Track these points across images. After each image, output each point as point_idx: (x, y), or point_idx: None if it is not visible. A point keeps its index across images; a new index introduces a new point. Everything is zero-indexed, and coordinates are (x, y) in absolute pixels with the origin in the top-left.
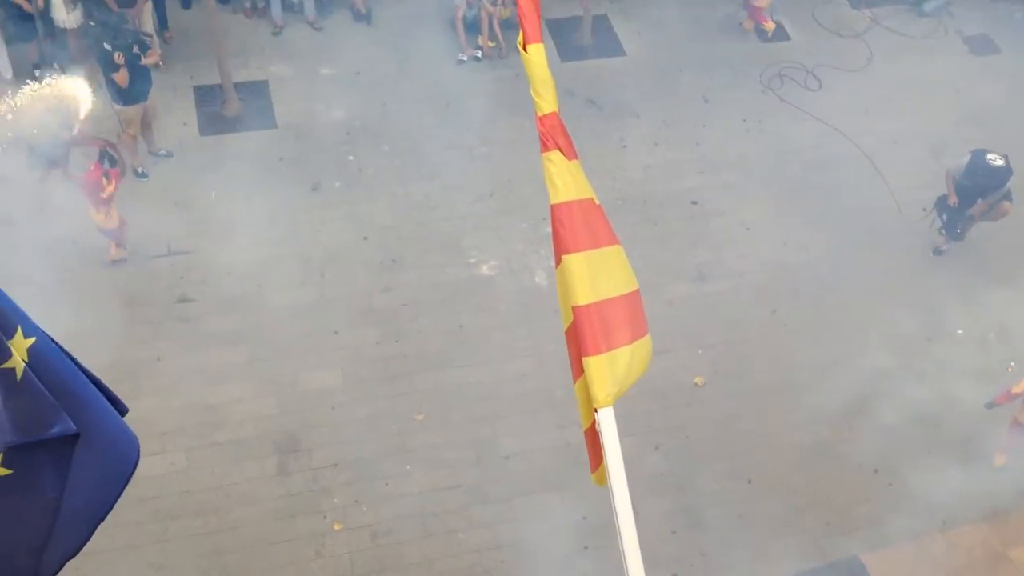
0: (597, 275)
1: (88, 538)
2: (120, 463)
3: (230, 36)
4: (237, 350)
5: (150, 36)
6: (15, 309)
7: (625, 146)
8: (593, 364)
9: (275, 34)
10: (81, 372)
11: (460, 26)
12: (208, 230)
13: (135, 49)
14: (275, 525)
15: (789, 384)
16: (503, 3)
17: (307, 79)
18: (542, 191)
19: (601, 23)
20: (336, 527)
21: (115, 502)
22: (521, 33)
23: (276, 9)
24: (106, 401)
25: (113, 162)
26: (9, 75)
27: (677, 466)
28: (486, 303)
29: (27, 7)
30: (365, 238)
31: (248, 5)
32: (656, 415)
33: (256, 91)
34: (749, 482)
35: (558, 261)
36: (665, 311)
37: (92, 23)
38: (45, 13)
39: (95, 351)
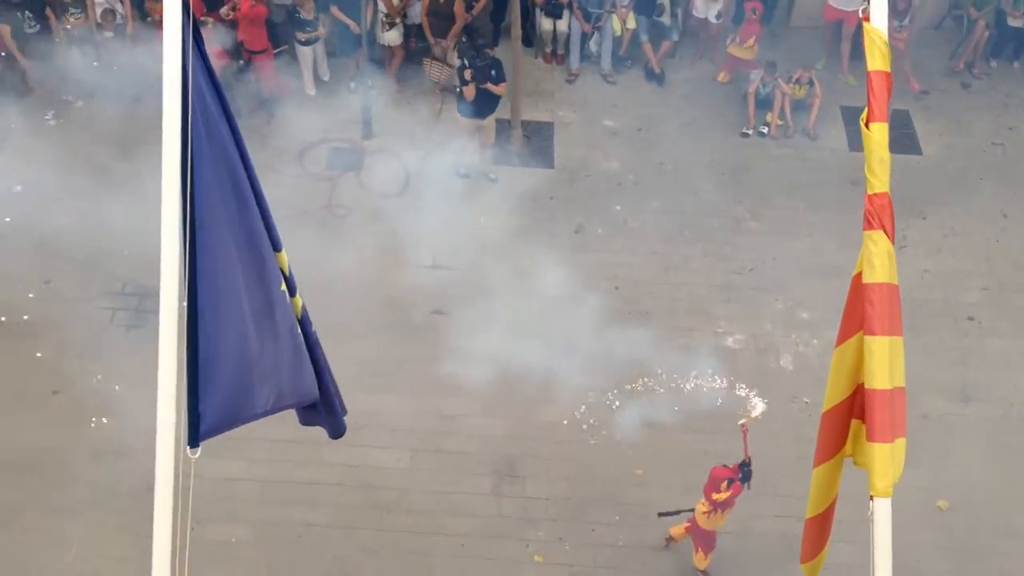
0: (894, 362)
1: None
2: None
3: (527, 77)
4: (479, 369)
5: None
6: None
7: (904, 247)
8: (879, 451)
9: (569, 81)
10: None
11: (752, 100)
12: (473, 252)
13: (490, 72)
14: (479, 542)
15: None
16: (799, 83)
17: (591, 127)
18: (805, 275)
19: (901, 118)
20: (537, 559)
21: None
22: (866, 110)
23: (574, 57)
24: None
25: (746, 478)
26: (313, 91)
27: None
28: (725, 375)
29: (354, 28)
30: (616, 288)
31: (548, 50)
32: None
33: (541, 131)
34: None
35: (842, 339)
36: (919, 424)
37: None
38: (370, 32)
39: (345, 342)
